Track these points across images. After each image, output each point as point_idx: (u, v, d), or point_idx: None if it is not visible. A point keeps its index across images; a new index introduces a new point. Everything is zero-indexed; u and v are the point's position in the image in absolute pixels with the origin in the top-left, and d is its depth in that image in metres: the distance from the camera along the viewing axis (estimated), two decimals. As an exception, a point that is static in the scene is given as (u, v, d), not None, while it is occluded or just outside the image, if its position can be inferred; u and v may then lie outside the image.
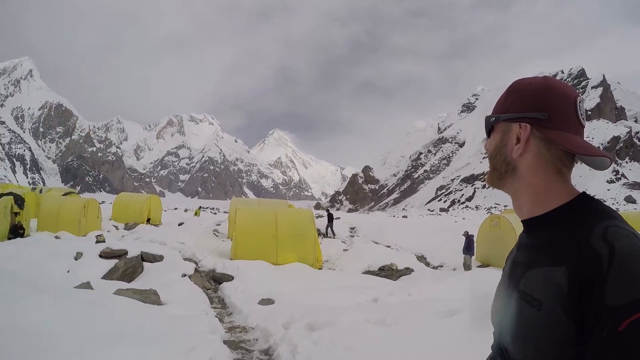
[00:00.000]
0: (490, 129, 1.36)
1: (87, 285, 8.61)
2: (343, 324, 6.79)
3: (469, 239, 19.03)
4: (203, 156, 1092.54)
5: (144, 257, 12.12)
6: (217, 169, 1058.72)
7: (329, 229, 25.58)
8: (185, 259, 13.51)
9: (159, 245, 14.15)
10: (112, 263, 11.29)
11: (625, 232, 1.03)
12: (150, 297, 8.33)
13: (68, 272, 10.83)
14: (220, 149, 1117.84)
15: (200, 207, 44.28)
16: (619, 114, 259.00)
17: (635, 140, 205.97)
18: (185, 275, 11.48)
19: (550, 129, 1.19)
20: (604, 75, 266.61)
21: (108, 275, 10.77)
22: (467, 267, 18.83)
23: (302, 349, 5.86)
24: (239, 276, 12.29)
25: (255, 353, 6.59)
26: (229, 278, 12.33)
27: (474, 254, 19.35)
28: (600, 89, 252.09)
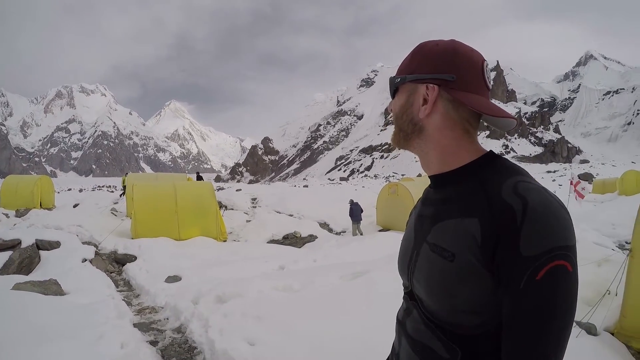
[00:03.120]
0: (395, 90, 1.35)
1: (-19, 285, 8.01)
2: (251, 294, 6.83)
3: (351, 207, 19.56)
4: (96, 130, 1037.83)
5: (40, 245, 11.25)
6: (112, 144, 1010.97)
7: None
8: (84, 243, 12.76)
9: (54, 231, 13.23)
10: (6, 256, 10.41)
11: (535, 187, 1.08)
12: (51, 288, 7.86)
13: (-41, 273, 10.02)
14: (114, 122, 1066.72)
15: (127, 172, 36.34)
16: (509, 96, 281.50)
17: (524, 120, 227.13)
18: (85, 260, 10.83)
19: (458, 90, 1.20)
20: (497, 61, 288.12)
21: (3, 270, 9.98)
22: (354, 233, 19.43)
23: (213, 322, 5.85)
24: (142, 255, 11.88)
25: (167, 332, 6.46)
26: (132, 258, 11.88)
27: (361, 219, 19.85)
28: (493, 73, 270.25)
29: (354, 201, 20.00)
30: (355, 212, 19.52)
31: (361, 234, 19.24)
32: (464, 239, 1.12)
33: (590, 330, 5.14)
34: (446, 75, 1.21)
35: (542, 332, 1.00)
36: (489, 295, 1.09)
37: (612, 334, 5.24)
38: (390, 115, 1.43)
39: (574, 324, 5.10)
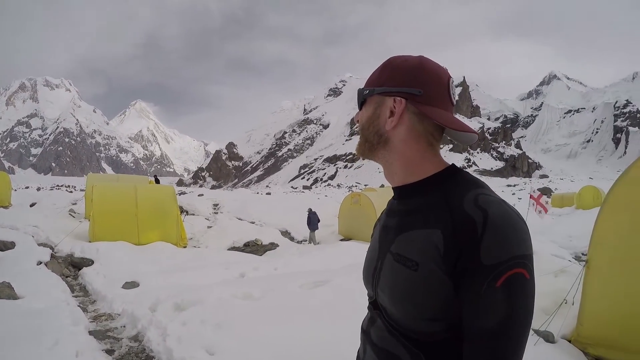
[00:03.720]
0: (362, 102, 1.38)
1: None
2: (211, 302, 6.74)
3: (309, 215, 20.05)
4: (58, 127, 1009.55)
5: (-7, 246, 10.94)
6: (73, 142, 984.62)
7: None
8: (40, 244, 12.30)
9: (9, 230, 12.85)
10: (-44, 255, 10.09)
11: (495, 199, 1.13)
12: (4, 291, 7.54)
13: None
14: (77, 120, 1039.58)
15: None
16: (474, 111, 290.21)
17: (487, 135, 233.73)
18: (40, 262, 10.44)
19: (424, 104, 1.24)
20: (464, 77, 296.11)
21: (-48, 271, 9.64)
22: (314, 242, 20.00)
23: (171, 330, 5.75)
24: (100, 259, 11.56)
25: (124, 341, 6.29)
26: (89, 262, 11.50)
27: (317, 228, 20.40)
28: (459, 89, 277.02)
29: (312, 210, 20.46)
30: (313, 220, 20.03)
31: (313, 243, 19.83)
32: (427, 249, 1.15)
33: (548, 338, 5.35)
34: (413, 89, 1.25)
35: (502, 336, 1.04)
36: (452, 303, 1.12)
37: (570, 342, 5.44)
38: (356, 126, 1.43)
39: (533, 332, 5.25)
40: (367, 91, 1.34)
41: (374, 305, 1.38)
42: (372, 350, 1.34)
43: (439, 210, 1.18)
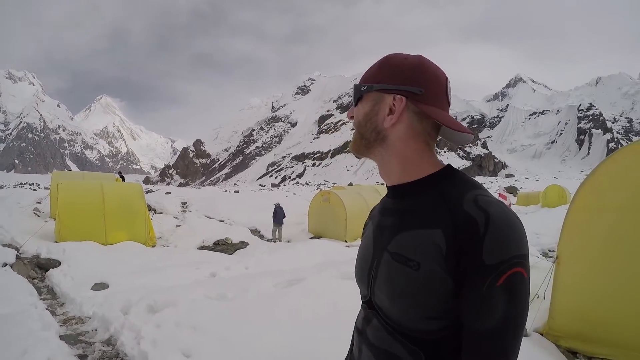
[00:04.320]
0: (359, 98, 1.37)
1: None
2: (184, 303, 6.63)
3: (276, 209, 20.44)
4: (20, 122, 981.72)
5: (-46, 248, 10.57)
6: (37, 138, 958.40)
7: None
8: (4, 245, 11.99)
9: None
10: None
11: (493, 200, 1.15)
12: None
13: None
14: (41, 114, 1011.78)
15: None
16: None
17: None
18: (6, 264, 10.19)
19: (424, 103, 1.25)
20: None
21: None
22: (273, 235, 20.58)
23: (145, 333, 5.62)
24: (67, 260, 11.25)
25: (97, 345, 6.10)
26: (56, 264, 11.20)
27: (282, 223, 20.76)
28: None
29: (279, 205, 20.77)
30: (279, 215, 20.35)
31: (279, 240, 20.33)
32: (428, 248, 1.16)
33: (521, 332, 5.48)
34: (414, 88, 1.25)
35: (501, 333, 1.07)
36: (452, 302, 1.13)
37: (542, 334, 5.65)
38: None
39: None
40: (365, 87, 1.33)
41: (368, 304, 1.38)
42: (370, 350, 1.33)
43: (438, 210, 1.19)
